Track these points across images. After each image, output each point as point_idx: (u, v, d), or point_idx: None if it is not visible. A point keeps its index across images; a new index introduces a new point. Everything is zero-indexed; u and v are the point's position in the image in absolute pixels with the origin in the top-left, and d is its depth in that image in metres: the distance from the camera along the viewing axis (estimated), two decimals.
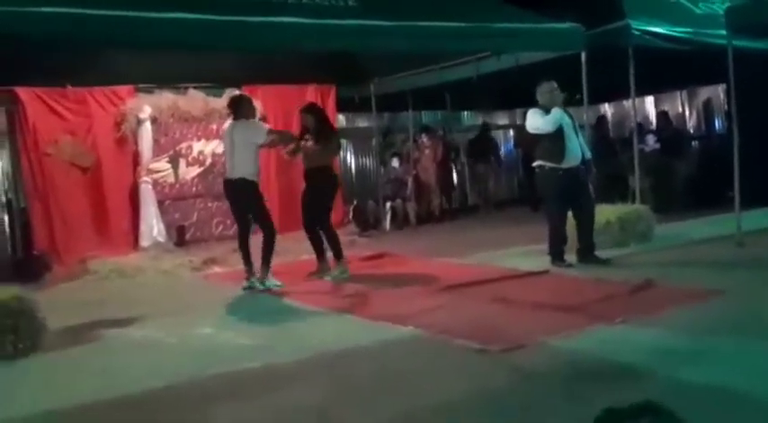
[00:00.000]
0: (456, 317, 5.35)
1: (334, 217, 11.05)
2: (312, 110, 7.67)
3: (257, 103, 9.96)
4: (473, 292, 6.17)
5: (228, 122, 7.55)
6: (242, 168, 6.91)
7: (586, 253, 7.18)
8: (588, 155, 7.32)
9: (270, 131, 7.20)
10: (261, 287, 6.90)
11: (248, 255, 7.05)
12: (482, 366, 4.19)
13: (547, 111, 7.03)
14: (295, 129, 10.71)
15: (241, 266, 7.11)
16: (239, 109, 7.13)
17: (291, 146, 7.50)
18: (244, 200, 7.01)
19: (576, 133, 7.18)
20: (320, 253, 7.49)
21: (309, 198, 7.44)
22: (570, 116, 7.21)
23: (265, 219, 7.07)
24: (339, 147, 8.07)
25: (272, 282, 6.96)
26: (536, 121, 7.05)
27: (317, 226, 7.42)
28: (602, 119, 12.81)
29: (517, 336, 4.65)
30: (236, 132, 7.00)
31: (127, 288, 7.84)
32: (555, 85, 7.12)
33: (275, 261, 7.16)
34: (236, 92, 9.91)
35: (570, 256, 7.20)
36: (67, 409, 3.92)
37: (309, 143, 7.32)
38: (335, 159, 8.17)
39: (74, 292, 7.73)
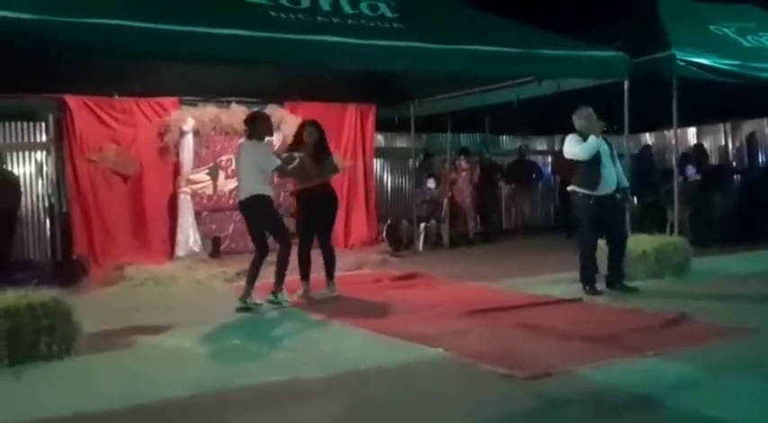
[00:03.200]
0: (484, 341, 5.32)
1: (368, 235, 11.19)
2: (317, 125, 7.44)
3: (298, 120, 10.15)
4: (503, 317, 6.13)
5: (241, 140, 7.29)
6: (251, 187, 6.78)
7: (615, 281, 7.17)
8: (625, 183, 7.28)
9: (281, 164, 6.94)
10: (272, 299, 6.85)
11: (256, 276, 6.88)
12: (507, 392, 4.16)
13: (584, 137, 7.02)
14: (333, 147, 10.87)
15: (271, 279, 7.06)
16: (254, 127, 6.93)
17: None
18: (258, 217, 6.86)
19: (614, 161, 7.16)
20: (307, 274, 7.33)
21: (314, 217, 7.25)
22: (608, 144, 7.19)
23: (283, 233, 6.99)
24: (335, 168, 7.67)
25: (284, 297, 6.91)
26: (573, 148, 7.06)
27: (311, 245, 7.31)
28: (646, 148, 12.69)
29: (545, 363, 4.61)
30: (247, 154, 6.86)
31: (161, 296, 7.94)
32: (591, 110, 7.10)
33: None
34: (278, 107, 10.10)
35: (600, 284, 7.15)
36: (94, 413, 3.98)
37: (308, 161, 7.13)
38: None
39: (109, 298, 7.86)
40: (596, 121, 7.04)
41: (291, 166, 7.04)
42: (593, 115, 7.05)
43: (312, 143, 7.26)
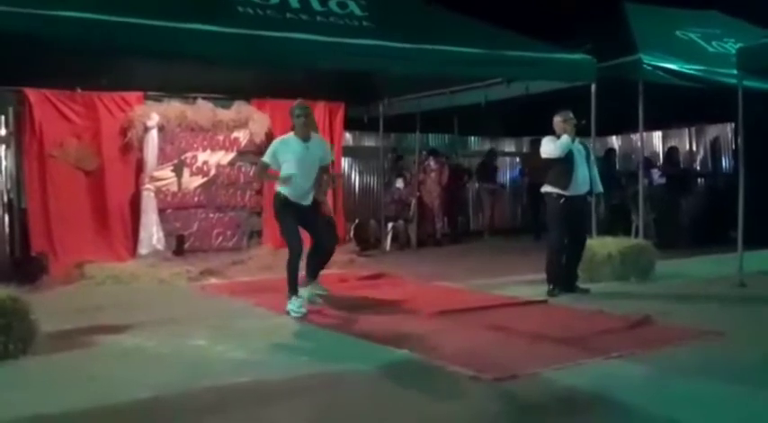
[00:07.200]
0: (451, 343, 5.29)
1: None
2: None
3: (265, 117, 10.05)
4: (470, 319, 6.12)
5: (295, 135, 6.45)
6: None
7: (568, 282, 7.22)
8: (599, 188, 7.41)
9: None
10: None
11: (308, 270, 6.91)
12: (474, 394, 4.14)
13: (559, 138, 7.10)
14: None
15: (237, 279, 6.94)
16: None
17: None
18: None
19: (590, 165, 7.25)
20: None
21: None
22: (585, 148, 7.27)
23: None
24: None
25: (295, 304, 6.39)
26: (548, 147, 7.15)
27: None
28: (610, 152, 12.81)
29: (511, 365, 4.60)
30: (318, 149, 6.50)
31: (122, 295, 7.79)
32: (570, 114, 7.19)
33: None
34: (245, 104, 9.97)
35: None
36: (53, 415, 3.86)
37: None
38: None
39: (69, 296, 7.69)
40: (572, 123, 7.13)
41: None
42: (572, 120, 7.15)
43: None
